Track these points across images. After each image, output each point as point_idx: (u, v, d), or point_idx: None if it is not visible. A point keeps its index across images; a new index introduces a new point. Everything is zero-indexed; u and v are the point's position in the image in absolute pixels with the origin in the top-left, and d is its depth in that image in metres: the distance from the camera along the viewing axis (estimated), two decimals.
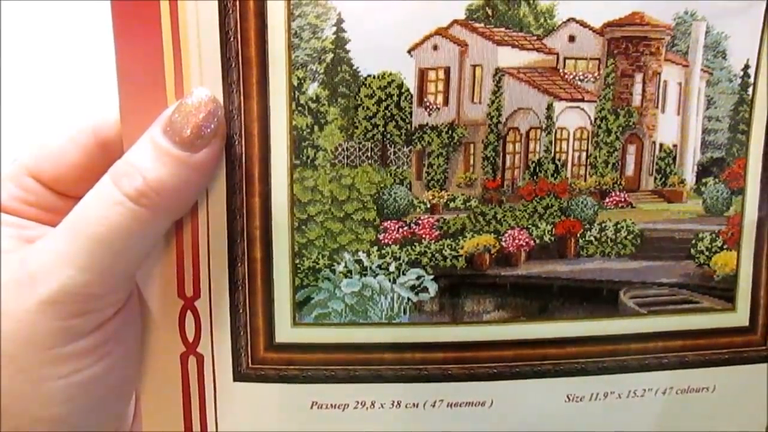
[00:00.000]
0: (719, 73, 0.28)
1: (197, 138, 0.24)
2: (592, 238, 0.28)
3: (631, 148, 0.28)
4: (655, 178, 0.28)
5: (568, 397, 0.29)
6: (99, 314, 0.25)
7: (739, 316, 0.30)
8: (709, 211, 0.29)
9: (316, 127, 0.26)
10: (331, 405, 0.28)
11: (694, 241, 0.29)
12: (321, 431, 0.28)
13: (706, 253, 0.29)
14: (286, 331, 0.27)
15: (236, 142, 0.25)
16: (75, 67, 0.57)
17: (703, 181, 0.28)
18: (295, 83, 0.25)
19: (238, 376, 0.28)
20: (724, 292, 0.29)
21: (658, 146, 0.28)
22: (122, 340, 0.26)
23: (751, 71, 0.28)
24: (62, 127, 0.28)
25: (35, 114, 0.57)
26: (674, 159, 0.28)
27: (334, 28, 0.25)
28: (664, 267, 0.29)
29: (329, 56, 0.25)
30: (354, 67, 0.25)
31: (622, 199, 0.28)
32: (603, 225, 0.28)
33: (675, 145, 0.28)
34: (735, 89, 0.28)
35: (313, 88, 0.25)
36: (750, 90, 0.28)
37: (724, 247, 0.29)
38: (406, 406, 0.29)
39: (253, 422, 0.28)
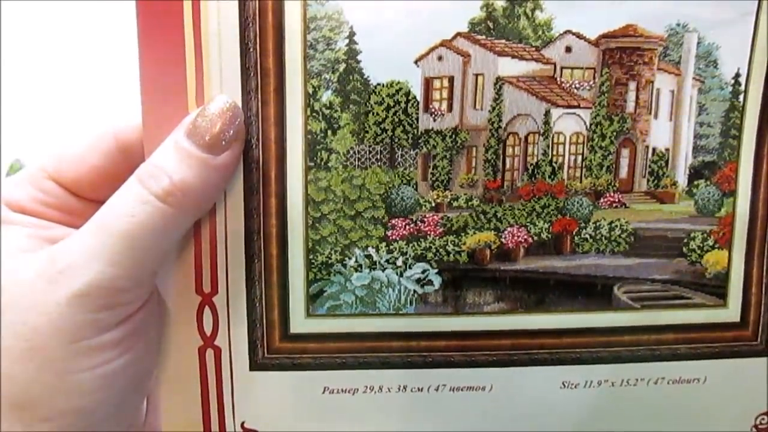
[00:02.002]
0: (711, 81, 0.29)
1: (219, 141, 0.25)
2: (587, 236, 0.30)
3: (625, 152, 0.29)
4: (648, 180, 0.30)
5: (563, 384, 0.31)
6: (125, 308, 0.26)
7: (731, 312, 0.31)
8: (700, 211, 0.30)
9: (329, 132, 0.28)
10: (342, 390, 0.30)
11: (686, 240, 0.30)
12: (332, 414, 0.30)
13: (698, 252, 0.30)
14: (300, 323, 0.29)
15: (254, 146, 0.27)
16: (86, 71, 0.59)
17: (695, 183, 0.30)
18: (310, 91, 0.27)
19: (255, 366, 0.29)
20: (716, 288, 0.31)
21: (651, 150, 0.30)
22: (144, 334, 0.27)
23: (742, 80, 0.29)
24: (83, 132, 0.29)
25: (38, 115, 0.58)
26: (666, 162, 0.30)
27: (347, 41, 0.27)
28: (657, 264, 0.30)
29: (342, 66, 0.27)
30: (365, 76, 0.27)
31: (617, 200, 0.30)
32: (598, 224, 0.30)
33: (667, 149, 0.30)
34: (726, 96, 0.29)
35: (326, 96, 0.27)
36: (741, 97, 0.29)
37: (716, 246, 0.30)
38: (411, 390, 0.30)
39: (268, 408, 0.30)
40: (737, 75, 0.29)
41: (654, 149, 0.30)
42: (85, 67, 0.57)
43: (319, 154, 0.28)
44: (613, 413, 0.32)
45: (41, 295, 0.25)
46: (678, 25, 0.28)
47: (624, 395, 0.31)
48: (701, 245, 0.30)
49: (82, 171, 0.28)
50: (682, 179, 0.30)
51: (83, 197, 0.28)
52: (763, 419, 0.33)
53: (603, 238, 0.30)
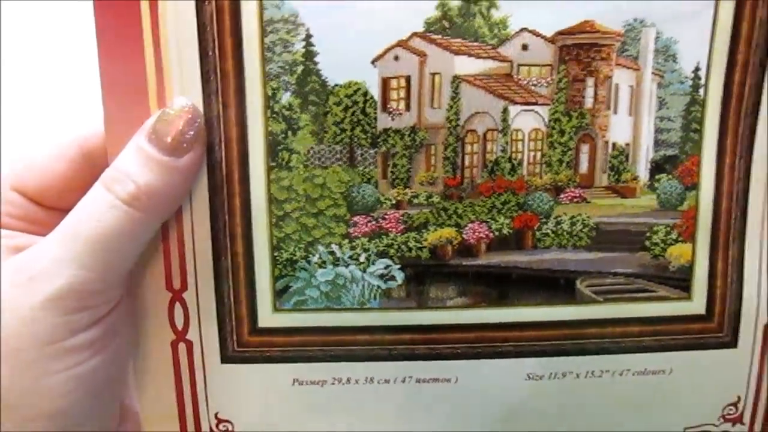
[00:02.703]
0: (670, 75, 0.29)
1: (180, 144, 0.26)
2: (548, 231, 0.30)
3: (585, 148, 0.30)
4: (609, 175, 0.30)
5: (528, 375, 0.31)
6: (97, 309, 0.27)
7: (696, 305, 0.31)
8: (663, 205, 0.30)
9: (289, 132, 0.28)
10: (311, 382, 0.31)
11: (648, 234, 0.30)
12: (302, 405, 0.31)
13: (661, 245, 0.31)
14: (267, 317, 0.30)
15: (217, 148, 0.28)
16: (86, 71, 0.60)
17: (657, 177, 0.30)
18: (270, 93, 0.28)
19: (225, 359, 0.30)
20: (680, 282, 0.31)
21: (611, 145, 0.30)
22: (117, 334, 0.28)
23: (702, 73, 0.29)
24: (45, 141, 0.29)
25: (38, 115, 0.58)
26: (627, 157, 0.30)
27: (304, 43, 0.27)
28: (620, 258, 0.31)
29: (300, 68, 0.28)
30: (322, 78, 0.28)
31: (577, 195, 0.30)
32: (559, 219, 0.30)
33: (627, 144, 0.30)
34: (687, 90, 0.29)
35: (286, 97, 0.28)
36: (702, 91, 0.29)
37: (679, 239, 0.31)
38: (378, 382, 0.31)
39: (241, 400, 0.31)
40: (697, 69, 0.29)
41: (614, 144, 0.30)
42: (86, 67, 0.58)
43: (280, 154, 0.29)
44: (578, 405, 0.32)
45: (17, 300, 0.25)
46: (635, 20, 0.28)
47: (589, 387, 0.32)
48: (664, 239, 0.30)
49: (47, 180, 0.28)
50: (643, 174, 0.30)
51: (48, 206, 0.29)
52: (731, 409, 0.33)
53: (564, 232, 0.30)
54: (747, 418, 0.33)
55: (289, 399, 0.31)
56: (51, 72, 0.57)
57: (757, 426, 0.33)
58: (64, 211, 0.27)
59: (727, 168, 0.30)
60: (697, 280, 0.31)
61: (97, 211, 0.26)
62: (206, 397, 0.31)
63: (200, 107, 0.27)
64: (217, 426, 0.31)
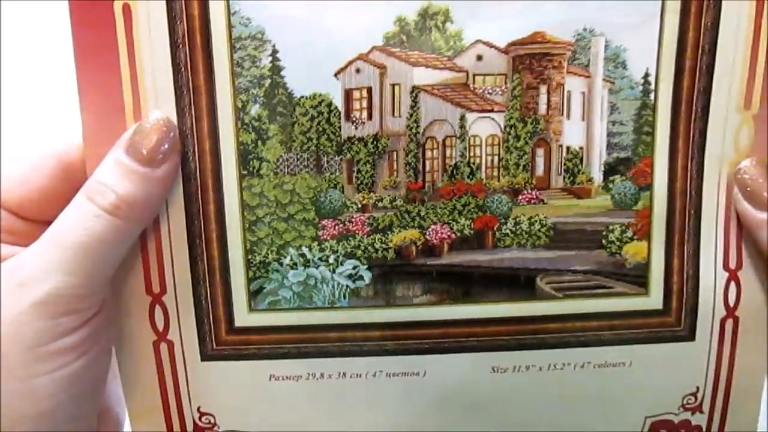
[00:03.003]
0: (621, 81, 0.31)
1: (156, 155, 0.28)
2: (508, 231, 0.32)
3: (540, 152, 0.31)
4: (564, 177, 0.31)
5: (493, 368, 0.33)
6: (82, 314, 0.28)
7: (653, 300, 0.33)
8: (617, 205, 0.32)
9: (259, 142, 0.30)
10: (286, 377, 0.33)
11: (605, 233, 0.32)
12: (279, 399, 0.33)
13: (617, 243, 0.32)
14: (243, 317, 0.32)
15: (190, 158, 0.29)
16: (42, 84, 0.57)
17: (611, 178, 0.31)
18: (240, 105, 0.30)
19: (205, 357, 0.32)
20: (636, 278, 0.32)
21: (565, 149, 0.31)
22: (99, 338, 0.29)
23: (652, 79, 0.30)
24: (23, 154, 0.30)
25: (38, 115, 0.57)
26: (581, 160, 0.31)
27: (270, 58, 0.29)
28: (578, 256, 0.32)
29: (267, 81, 0.29)
30: (289, 90, 0.30)
31: (534, 197, 0.31)
32: (517, 219, 0.31)
33: (581, 148, 0.31)
34: (637, 95, 0.31)
35: (255, 109, 0.30)
36: (652, 95, 0.31)
37: (635, 237, 0.32)
38: (350, 377, 0.33)
39: (221, 395, 0.33)
40: (646, 75, 0.30)
41: (568, 148, 0.31)
42: (61, 79, 0.59)
43: (251, 162, 0.30)
44: (542, 396, 0.34)
45: (5, 305, 0.26)
46: (585, 30, 0.30)
47: (552, 379, 0.33)
48: (620, 237, 0.32)
49: (27, 193, 0.29)
50: (597, 175, 0.31)
51: (28, 218, 0.30)
52: (690, 399, 0.34)
53: (523, 232, 0.32)
54: (706, 408, 0.34)
55: (266, 393, 0.33)
56: (30, 81, 0.58)
57: (717, 415, 0.35)
58: (44, 222, 0.28)
59: (679, 169, 0.31)
60: (654, 276, 0.32)
61: (82, 220, 0.27)
62: (188, 392, 0.33)
63: (174, 120, 0.29)
64: (200, 419, 0.33)
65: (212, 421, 0.33)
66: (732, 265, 0.32)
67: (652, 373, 0.34)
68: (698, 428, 0.35)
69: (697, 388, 0.34)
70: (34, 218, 0.30)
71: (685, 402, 0.34)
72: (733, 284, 0.33)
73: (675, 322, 0.33)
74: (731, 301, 0.33)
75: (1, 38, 0.59)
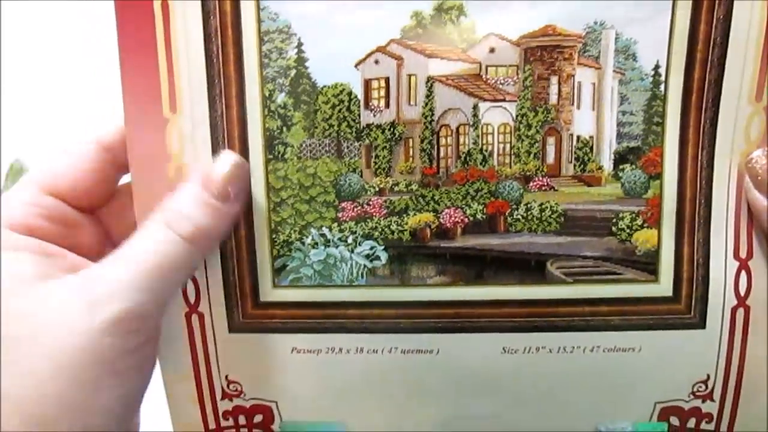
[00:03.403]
0: (631, 73, 0.31)
1: (229, 193, 0.30)
2: (519, 217, 0.33)
3: (551, 140, 0.32)
4: (575, 165, 0.33)
5: (503, 349, 0.34)
6: (146, 334, 0.29)
7: (663, 287, 0.33)
8: (627, 193, 0.33)
9: (284, 128, 0.32)
10: (307, 350, 0.34)
11: (615, 220, 0.33)
12: (300, 371, 0.35)
13: (627, 231, 0.33)
14: (268, 292, 0.34)
15: (221, 143, 0.32)
16: (86, 71, 0.58)
17: (621, 167, 0.32)
18: (267, 94, 0.32)
19: (233, 328, 0.34)
20: (647, 265, 0.33)
21: (575, 138, 0.32)
22: (153, 359, 0.31)
23: (662, 71, 0.31)
24: (65, 145, 0.32)
25: (38, 115, 0.59)
26: (591, 148, 0.32)
27: (296, 50, 0.31)
28: (588, 242, 0.33)
29: (293, 72, 0.32)
30: (312, 80, 0.32)
31: (545, 184, 0.33)
32: (528, 205, 0.33)
33: (591, 137, 0.32)
34: (647, 87, 0.32)
35: (281, 98, 0.32)
36: (662, 87, 0.31)
37: (645, 225, 0.33)
38: (367, 352, 0.34)
39: (247, 364, 0.35)
40: (657, 66, 0.31)
41: (578, 137, 0.32)
42: (86, 67, 0.58)
43: (276, 147, 0.32)
44: (552, 378, 0.34)
45: (78, 319, 0.27)
46: (595, 23, 0.31)
47: (562, 361, 0.34)
48: (630, 225, 0.33)
49: (76, 179, 0.31)
50: (607, 164, 0.32)
51: (78, 207, 0.32)
52: (701, 386, 0.35)
53: (534, 218, 0.33)
54: (717, 396, 0.35)
55: (288, 365, 0.35)
56: (93, 67, 0.57)
57: (728, 404, 0.35)
58: (92, 211, 0.31)
59: (690, 158, 0.32)
60: (664, 263, 0.33)
61: (158, 244, 0.29)
62: (218, 361, 0.35)
63: (206, 108, 0.31)
64: (228, 386, 0.35)
65: (239, 388, 0.35)
66: (743, 254, 0.33)
67: (662, 359, 0.34)
68: (709, 415, 0.35)
69: (708, 376, 0.35)
70: (83, 206, 0.32)
71: (695, 389, 0.35)
72: (743, 273, 0.33)
73: (685, 309, 0.34)
74: (742, 291, 0.33)
75: None
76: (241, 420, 0.36)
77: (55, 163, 0.31)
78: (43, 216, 0.30)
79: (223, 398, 0.35)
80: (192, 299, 0.34)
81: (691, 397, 0.35)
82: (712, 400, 0.35)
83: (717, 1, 0.30)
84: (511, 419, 0.35)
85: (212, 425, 0.36)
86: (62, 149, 0.32)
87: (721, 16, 0.30)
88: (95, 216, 0.33)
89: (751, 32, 0.30)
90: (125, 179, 0.33)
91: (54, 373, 0.27)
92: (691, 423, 0.35)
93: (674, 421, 0.35)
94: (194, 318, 0.34)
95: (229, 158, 0.31)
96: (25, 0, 0.59)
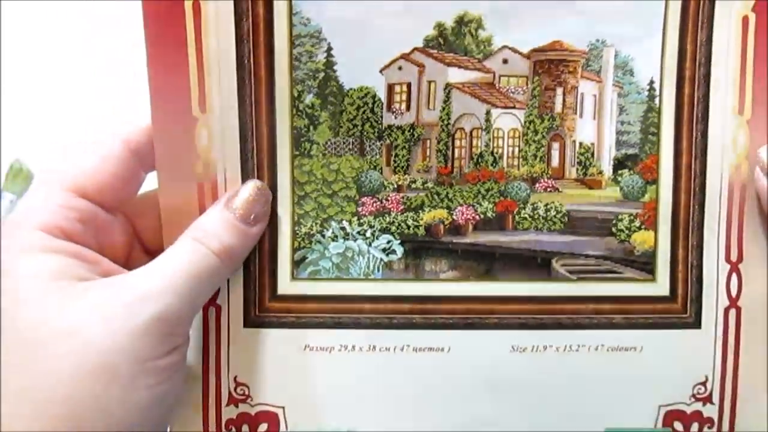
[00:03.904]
0: (629, 86, 0.35)
1: (251, 216, 0.32)
2: (526, 215, 0.35)
3: (555, 145, 0.35)
4: (577, 169, 0.35)
5: (512, 347, 0.35)
6: (179, 338, 0.30)
7: (660, 287, 0.35)
8: (626, 197, 0.35)
9: (311, 127, 0.35)
10: (320, 348, 0.35)
11: (614, 221, 0.35)
12: (311, 370, 0.35)
13: (626, 231, 0.35)
14: (286, 285, 0.35)
15: (249, 139, 0.33)
16: (85, 71, 0.59)
17: (620, 172, 0.35)
18: (296, 95, 0.34)
19: (247, 323, 0.34)
20: (644, 265, 0.35)
21: (578, 144, 0.35)
22: (185, 363, 0.32)
23: (656, 85, 0.35)
24: (90, 146, 0.32)
25: (38, 115, 0.59)
26: (592, 154, 0.35)
27: (325, 54, 0.34)
28: (590, 241, 0.35)
29: (321, 74, 0.34)
30: (340, 83, 0.34)
31: (550, 185, 0.35)
32: (535, 205, 0.35)
33: (593, 143, 0.35)
34: (644, 99, 0.35)
35: (309, 98, 0.34)
36: (657, 100, 0.35)
37: (642, 227, 0.35)
38: (380, 350, 0.35)
39: (256, 364, 0.35)
40: (651, 81, 0.35)
41: (581, 143, 0.35)
42: (85, 67, 0.59)
43: (303, 144, 0.35)
44: (559, 377, 0.35)
45: (117, 320, 0.28)
46: (597, 41, 0.34)
47: (568, 360, 0.35)
48: (629, 226, 0.35)
49: (104, 180, 0.32)
50: (607, 169, 0.35)
51: (107, 207, 0.32)
52: (700, 389, 0.36)
53: (540, 217, 0.35)
54: (716, 399, 0.36)
55: (300, 365, 0.35)
56: (93, 67, 0.59)
57: (726, 407, 0.36)
58: (121, 211, 0.32)
59: (684, 167, 0.35)
60: (660, 264, 0.35)
61: (190, 254, 0.31)
62: (228, 360, 0.35)
63: (236, 107, 0.33)
64: (235, 389, 0.35)
65: (246, 392, 0.35)
66: (733, 258, 0.35)
67: (662, 360, 0.35)
68: (710, 420, 0.36)
69: (706, 377, 0.36)
70: (111, 205, 0.33)
71: (695, 391, 0.36)
72: (734, 276, 0.35)
73: (681, 309, 0.35)
74: (734, 292, 0.35)
75: (1, 37, 0.60)
76: (244, 430, 0.36)
77: (82, 164, 0.32)
78: (75, 219, 0.31)
79: (228, 404, 0.35)
80: None
81: (692, 399, 0.36)
82: (712, 403, 0.36)
83: (700, 26, 0.34)
84: (520, 422, 0.36)
85: None
86: (88, 149, 0.33)
87: (704, 39, 0.34)
88: (122, 216, 0.35)
89: (729, 53, 0.34)
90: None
91: (94, 370, 0.28)
92: (695, 428, 0.36)
93: (678, 426, 0.36)
94: (211, 311, 0.35)
95: (252, 184, 0.33)
96: (25, 0, 0.60)
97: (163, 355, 0.29)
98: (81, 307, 0.28)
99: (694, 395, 0.36)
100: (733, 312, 0.35)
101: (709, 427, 0.36)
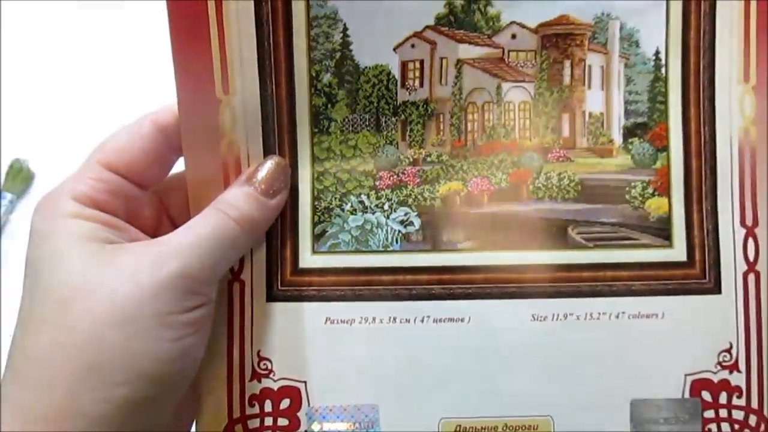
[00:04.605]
0: (635, 57, 0.36)
1: (272, 189, 0.34)
2: (540, 185, 0.36)
3: (566, 116, 0.36)
4: (588, 139, 0.36)
5: (533, 316, 0.36)
6: (202, 297, 0.31)
7: (677, 252, 0.36)
8: (637, 164, 0.36)
9: (329, 105, 0.36)
10: (341, 320, 0.35)
11: (627, 189, 0.36)
12: (332, 343, 0.36)
13: (640, 198, 0.36)
14: (307, 258, 0.36)
15: (270, 118, 0.35)
16: (85, 71, 0.59)
17: (630, 140, 0.36)
18: (314, 74, 0.36)
19: (270, 297, 0.35)
20: (660, 231, 0.36)
21: (587, 114, 0.36)
22: (208, 323, 0.33)
23: (662, 56, 0.36)
24: (122, 125, 0.34)
25: (38, 115, 0.60)
26: (602, 123, 0.36)
27: (341, 34, 0.35)
28: (604, 209, 0.36)
29: (338, 54, 0.36)
30: (356, 61, 0.36)
31: (562, 155, 0.36)
32: (548, 174, 0.36)
33: (602, 113, 0.36)
34: (650, 69, 0.36)
35: (326, 77, 0.36)
36: (663, 70, 0.36)
37: (656, 193, 0.36)
38: (400, 321, 0.35)
39: (279, 338, 0.35)
40: (657, 52, 0.36)
41: (590, 113, 0.36)
42: (85, 67, 0.59)
43: (321, 122, 0.36)
44: (581, 344, 0.35)
45: (143, 274, 0.29)
46: (603, 14, 0.35)
47: (590, 328, 0.35)
48: (642, 193, 0.36)
49: (133, 157, 0.33)
50: (617, 137, 0.36)
51: (136, 182, 0.34)
52: (725, 356, 0.36)
53: (554, 186, 0.36)
54: (743, 366, 0.36)
55: (321, 337, 0.35)
56: (92, 67, 0.58)
57: (754, 376, 0.36)
58: (149, 188, 0.34)
59: (693, 133, 0.35)
60: (676, 229, 0.36)
61: (214, 220, 0.32)
62: (252, 335, 0.36)
63: (257, 88, 0.34)
64: (258, 364, 0.36)
65: (269, 366, 0.36)
66: (749, 222, 0.35)
67: (685, 326, 0.35)
68: (738, 389, 0.36)
69: (731, 344, 0.36)
70: (142, 182, 0.34)
71: (721, 359, 0.35)
72: (751, 240, 0.36)
73: (700, 274, 0.36)
74: (751, 257, 0.35)
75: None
76: (267, 406, 0.36)
77: (114, 141, 0.34)
78: (107, 191, 0.33)
79: (252, 379, 0.36)
80: (236, 266, 0.36)
81: (718, 367, 0.36)
82: (739, 371, 0.36)
83: None
84: (542, 392, 0.36)
85: (237, 413, 0.36)
86: (119, 129, 0.34)
87: (707, 8, 0.35)
88: (153, 192, 0.36)
89: (733, 22, 0.35)
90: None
91: (117, 320, 0.29)
92: (723, 398, 0.36)
93: (706, 396, 0.36)
94: (235, 287, 0.36)
95: (271, 160, 0.35)
96: (25, 0, 0.61)
97: (185, 311, 0.30)
98: (109, 263, 0.30)
99: (719, 363, 0.36)
100: (752, 277, 0.36)
101: (738, 396, 0.36)
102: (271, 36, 0.35)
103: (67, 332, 0.29)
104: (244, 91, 0.35)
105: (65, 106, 0.61)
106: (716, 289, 0.36)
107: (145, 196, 0.35)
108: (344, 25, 0.35)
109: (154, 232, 0.35)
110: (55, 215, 0.31)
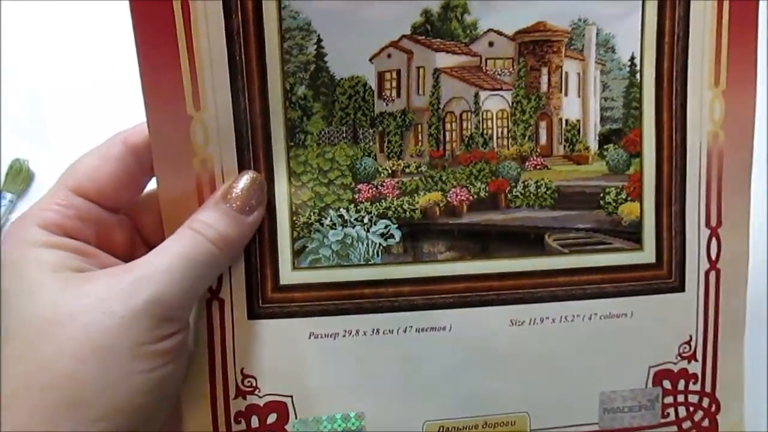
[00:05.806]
0: (611, 63, 0.36)
1: (247, 206, 0.33)
2: (518, 194, 0.36)
3: (543, 124, 0.36)
4: (564, 146, 0.36)
5: (511, 321, 0.37)
6: (177, 323, 0.31)
7: (647, 255, 0.37)
8: (612, 170, 0.37)
9: (304, 118, 0.35)
10: (325, 335, 0.36)
11: (602, 195, 0.37)
12: (317, 358, 0.36)
13: (613, 204, 0.37)
14: (288, 275, 0.35)
15: (244, 133, 0.34)
16: (85, 71, 0.59)
17: (605, 147, 0.36)
18: (288, 87, 0.34)
19: (251, 315, 0.35)
20: (632, 235, 0.37)
21: (564, 121, 0.36)
22: (186, 351, 0.32)
23: (637, 61, 0.36)
24: (91, 147, 0.33)
25: (38, 115, 0.59)
26: (578, 131, 0.37)
27: (315, 46, 0.34)
28: (580, 215, 0.37)
29: (312, 66, 0.34)
30: (331, 73, 0.34)
31: (539, 163, 0.36)
32: (526, 183, 0.36)
33: (578, 120, 0.36)
34: (625, 75, 0.36)
35: (301, 90, 0.34)
36: (638, 75, 0.36)
37: (628, 198, 0.37)
38: (383, 333, 0.36)
39: (263, 355, 0.35)
40: (632, 58, 0.36)
41: (567, 120, 0.36)
42: (85, 67, 0.59)
43: (297, 135, 0.35)
44: (557, 347, 0.37)
45: (115, 303, 0.29)
46: (579, 20, 0.35)
47: (564, 330, 0.37)
48: (615, 198, 0.37)
49: (103, 181, 0.32)
50: (593, 144, 0.36)
51: (107, 206, 0.33)
52: (685, 348, 0.38)
53: (531, 194, 0.36)
54: (700, 355, 0.38)
55: (305, 352, 0.35)
56: (92, 67, 0.58)
57: (709, 361, 0.39)
58: (119, 211, 0.33)
59: (665, 139, 0.36)
60: (647, 233, 0.37)
61: (188, 241, 0.31)
62: (234, 353, 0.35)
63: (230, 103, 0.33)
64: (242, 382, 0.35)
65: (254, 383, 0.36)
66: (713, 223, 0.37)
67: (650, 323, 0.37)
68: (694, 376, 0.39)
69: (690, 336, 0.38)
70: (112, 205, 0.33)
71: (681, 351, 0.38)
72: (714, 240, 0.37)
73: (667, 274, 0.37)
74: (713, 255, 0.37)
75: None
76: (254, 422, 0.36)
77: (84, 165, 0.33)
78: (76, 217, 0.32)
79: (236, 396, 0.36)
80: (213, 285, 0.35)
81: (678, 358, 0.38)
82: (696, 359, 0.38)
83: (678, 1, 0.35)
84: (520, 391, 0.37)
85: (222, 429, 0.36)
86: (89, 150, 0.33)
87: (682, 14, 0.35)
88: (124, 215, 0.35)
89: (706, 27, 0.35)
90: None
91: (92, 353, 0.28)
92: (681, 385, 0.39)
93: (666, 384, 0.39)
94: (214, 305, 0.35)
95: (245, 175, 0.34)
96: (25, 0, 0.60)
97: (161, 339, 0.30)
98: (80, 293, 0.29)
99: (680, 354, 0.38)
100: (713, 274, 0.38)
101: (693, 383, 0.39)
102: (243, 49, 0.33)
103: (41, 369, 0.28)
104: (216, 106, 0.33)
105: (65, 106, 0.60)
106: (680, 287, 0.37)
107: (117, 219, 0.34)
108: (318, 36, 0.34)
109: (127, 256, 0.34)
110: (23, 244, 0.30)
